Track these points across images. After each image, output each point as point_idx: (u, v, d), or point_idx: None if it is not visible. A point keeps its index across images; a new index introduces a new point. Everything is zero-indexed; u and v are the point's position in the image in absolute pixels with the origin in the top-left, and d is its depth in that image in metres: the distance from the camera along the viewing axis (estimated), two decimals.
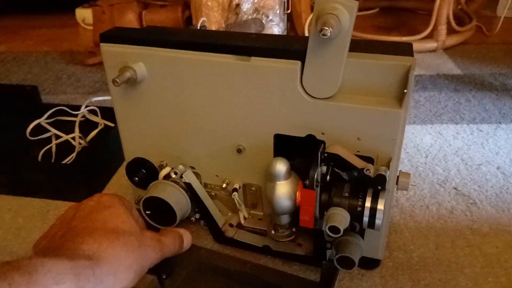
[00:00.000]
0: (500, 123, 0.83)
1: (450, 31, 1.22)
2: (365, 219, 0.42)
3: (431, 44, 1.20)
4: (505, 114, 0.86)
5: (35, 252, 0.36)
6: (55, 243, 0.37)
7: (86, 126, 0.78)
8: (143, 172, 0.55)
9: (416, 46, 1.17)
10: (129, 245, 0.39)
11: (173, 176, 0.51)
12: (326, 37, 0.36)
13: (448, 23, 1.20)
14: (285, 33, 1.18)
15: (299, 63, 0.42)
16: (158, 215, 0.51)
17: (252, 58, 0.44)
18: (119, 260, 0.37)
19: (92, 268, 0.35)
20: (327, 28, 0.36)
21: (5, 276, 0.30)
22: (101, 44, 0.48)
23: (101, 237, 0.37)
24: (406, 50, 0.43)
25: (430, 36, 1.20)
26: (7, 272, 0.30)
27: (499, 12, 1.48)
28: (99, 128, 0.77)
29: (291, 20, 1.30)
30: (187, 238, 0.48)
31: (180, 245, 0.47)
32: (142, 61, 0.47)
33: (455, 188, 0.65)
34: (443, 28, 1.19)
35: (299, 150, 0.47)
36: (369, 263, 0.51)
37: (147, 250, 0.41)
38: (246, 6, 1.09)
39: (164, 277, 0.49)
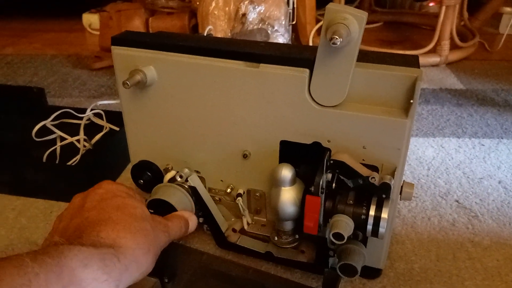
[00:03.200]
0: (502, 138, 0.83)
1: (453, 46, 1.23)
2: (369, 227, 0.43)
3: (434, 59, 1.21)
4: (507, 130, 0.87)
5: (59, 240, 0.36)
6: (72, 234, 0.37)
7: (91, 129, 0.78)
8: (149, 175, 0.55)
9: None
10: (145, 230, 0.39)
11: (178, 179, 0.51)
12: (335, 46, 0.37)
13: (451, 38, 1.22)
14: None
15: (307, 71, 0.43)
16: None
17: (261, 65, 0.44)
18: (139, 246, 0.38)
19: (116, 255, 0.35)
20: (337, 37, 0.37)
21: (35, 259, 0.30)
22: (112, 47, 0.49)
23: (118, 225, 0.38)
24: (412, 61, 0.44)
25: (433, 51, 1.22)
26: (37, 255, 0.31)
27: (502, 30, 1.50)
28: (104, 131, 0.77)
29: (296, 31, 1.32)
30: (192, 221, 0.49)
31: (186, 228, 0.48)
32: (153, 64, 0.48)
33: (457, 201, 0.66)
34: (446, 43, 1.20)
35: (304, 158, 0.47)
36: (370, 273, 0.51)
37: (159, 234, 0.42)
38: (252, 16, 1.10)
39: (166, 280, 0.49)
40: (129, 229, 0.38)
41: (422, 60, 1.21)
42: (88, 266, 0.32)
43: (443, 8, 1.17)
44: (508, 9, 1.47)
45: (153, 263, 0.40)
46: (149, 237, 0.39)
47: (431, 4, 1.64)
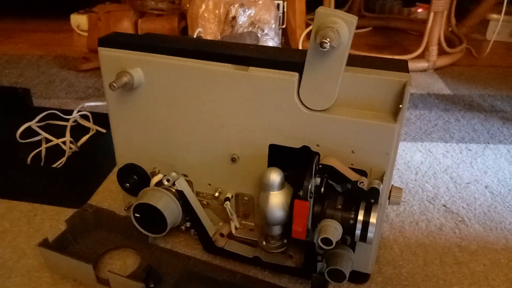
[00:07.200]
0: (488, 143, 0.84)
1: (441, 52, 1.25)
2: (357, 232, 0.42)
3: (422, 64, 1.23)
4: (493, 135, 0.88)
5: None
6: None
7: (78, 131, 0.77)
8: (135, 178, 0.54)
9: None
10: None
11: (165, 183, 0.51)
12: (325, 50, 0.37)
13: (439, 44, 1.23)
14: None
15: (296, 74, 0.43)
16: (148, 222, 0.51)
17: (250, 68, 0.44)
18: None
19: None
20: (326, 41, 0.36)
21: None
22: (99, 48, 0.48)
23: None
24: (402, 66, 0.44)
25: (421, 56, 1.23)
26: None
27: (489, 36, 1.52)
28: (91, 133, 0.76)
29: (286, 35, 1.32)
30: None
31: None
32: (140, 66, 0.47)
33: (444, 206, 0.66)
34: (434, 49, 1.21)
35: (293, 162, 0.47)
36: (358, 277, 0.51)
37: None
38: (242, 19, 1.10)
39: (152, 285, 0.48)
40: None
41: (410, 65, 1.22)
42: None
43: (431, 14, 1.18)
44: (494, 16, 1.49)
45: None
46: None
47: (419, 10, 1.66)
